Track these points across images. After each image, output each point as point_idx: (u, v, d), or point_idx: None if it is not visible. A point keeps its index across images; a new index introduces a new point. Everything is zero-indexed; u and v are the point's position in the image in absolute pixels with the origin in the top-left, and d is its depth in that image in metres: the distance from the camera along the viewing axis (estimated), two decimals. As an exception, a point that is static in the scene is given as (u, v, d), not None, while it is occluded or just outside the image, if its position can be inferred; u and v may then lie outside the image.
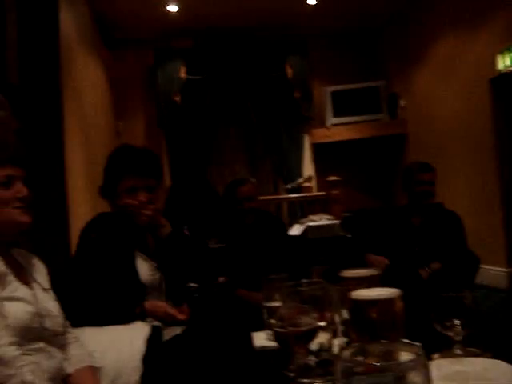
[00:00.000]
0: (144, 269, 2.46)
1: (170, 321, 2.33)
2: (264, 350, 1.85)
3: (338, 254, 5.39)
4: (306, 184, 7.88)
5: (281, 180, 8.19)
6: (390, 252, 3.76)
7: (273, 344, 1.82)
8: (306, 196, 7.42)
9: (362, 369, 0.77)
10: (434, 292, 1.69)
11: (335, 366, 0.79)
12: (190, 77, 7.89)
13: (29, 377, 1.58)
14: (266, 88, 8.02)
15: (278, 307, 1.84)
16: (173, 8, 7.08)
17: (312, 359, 1.39)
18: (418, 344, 0.81)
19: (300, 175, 8.01)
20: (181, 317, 2.32)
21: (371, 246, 3.94)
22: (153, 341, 2.12)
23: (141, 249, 2.52)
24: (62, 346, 1.88)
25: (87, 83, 6.21)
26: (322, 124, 7.99)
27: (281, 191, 8.23)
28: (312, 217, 5.90)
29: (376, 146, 8.16)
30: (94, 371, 1.91)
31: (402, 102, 7.86)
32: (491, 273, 5.63)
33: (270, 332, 1.89)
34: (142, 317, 2.30)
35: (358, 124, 7.88)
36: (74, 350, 1.92)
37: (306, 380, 1.39)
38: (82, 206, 5.18)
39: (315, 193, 7.65)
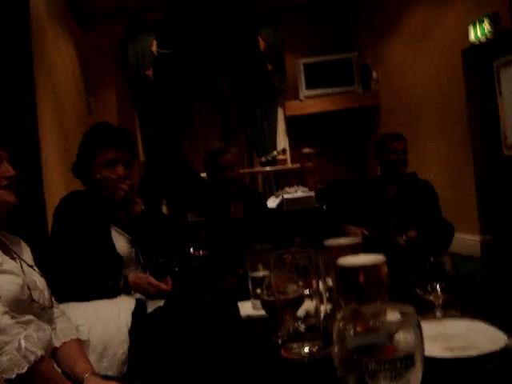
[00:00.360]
0: (120, 241, 2.47)
1: (152, 293, 2.35)
2: (250, 318, 1.89)
3: (315, 225, 5.44)
4: (281, 157, 7.90)
5: (255, 153, 8.21)
6: (367, 222, 3.82)
7: (258, 313, 1.86)
8: (280, 169, 7.44)
9: (355, 329, 0.81)
10: (411, 258, 1.73)
11: (332, 328, 0.82)
12: (162, 51, 7.83)
13: (24, 343, 1.60)
14: (238, 61, 8.00)
15: (263, 277, 1.88)
16: (143, -19, 7.01)
17: (299, 325, 1.42)
18: (408, 305, 0.85)
19: (274, 148, 8.04)
20: (164, 287, 2.35)
21: (348, 217, 3.99)
22: (138, 314, 2.15)
23: (115, 223, 2.52)
24: (50, 321, 1.90)
25: (58, 60, 6.13)
26: (296, 96, 8.00)
27: (255, 164, 8.26)
28: (288, 189, 5.94)
29: (349, 117, 8.21)
30: (80, 344, 1.93)
31: (374, 74, 7.90)
32: (464, 241, 5.74)
33: (255, 301, 1.94)
34: (126, 290, 2.32)
35: (331, 96, 7.91)
36: (60, 325, 1.93)
37: (294, 345, 1.43)
38: (56, 184, 5.14)
39: (290, 165, 7.68)
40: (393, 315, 0.85)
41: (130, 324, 2.11)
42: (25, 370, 1.57)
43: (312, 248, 1.64)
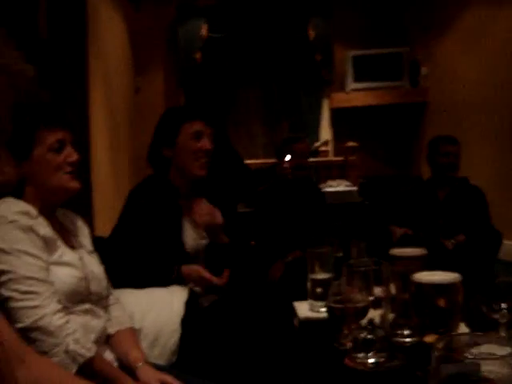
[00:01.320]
0: (190, 236, 2.49)
1: (204, 285, 2.36)
2: (308, 320, 1.88)
3: (356, 220, 5.41)
4: (323, 148, 7.85)
5: (298, 143, 8.16)
6: (414, 223, 3.78)
7: (317, 315, 1.86)
8: (322, 160, 7.40)
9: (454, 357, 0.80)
10: (459, 263, 1.71)
11: (432, 354, 0.81)
12: (212, 35, 7.81)
13: (72, 346, 1.61)
14: (286, 49, 7.95)
15: (322, 279, 1.88)
16: (197, -36, 6.98)
17: (365, 334, 1.41)
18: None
19: (317, 139, 7.98)
20: (216, 281, 2.35)
21: (392, 215, 3.97)
22: (191, 304, 2.16)
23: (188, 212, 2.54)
24: (105, 308, 1.92)
25: (111, 37, 6.17)
26: (342, 88, 7.92)
27: (297, 154, 8.21)
28: (330, 182, 5.91)
29: (395, 113, 8.10)
30: (134, 332, 1.95)
31: (423, 70, 7.77)
32: None
33: (314, 303, 1.93)
34: (179, 281, 2.34)
35: (378, 90, 7.81)
36: (115, 312, 1.96)
37: (360, 354, 1.42)
38: (104, 164, 5.20)
39: (332, 157, 7.63)
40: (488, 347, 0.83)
41: (182, 314, 2.13)
42: (74, 371, 1.59)
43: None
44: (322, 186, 6.01)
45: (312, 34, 7.93)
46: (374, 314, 1.47)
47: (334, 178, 6.54)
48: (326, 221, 3.97)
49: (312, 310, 1.92)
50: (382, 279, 1.50)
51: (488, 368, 0.80)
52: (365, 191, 6.15)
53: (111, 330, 1.89)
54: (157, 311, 2.12)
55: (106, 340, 1.88)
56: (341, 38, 8.10)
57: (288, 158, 3.80)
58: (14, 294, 1.60)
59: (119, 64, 6.72)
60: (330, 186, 5.83)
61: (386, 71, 7.89)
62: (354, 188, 5.84)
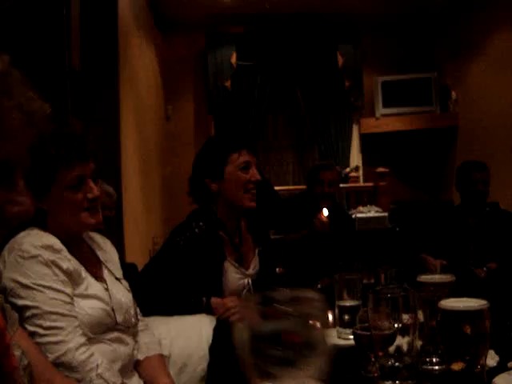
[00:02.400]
0: (232, 278, 2.50)
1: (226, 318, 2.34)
2: (336, 347, 1.88)
3: (386, 246, 5.37)
4: (353, 174, 7.83)
5: (327, 169, 8.16)
6: (445, 250, 3.75)
7: (344, 342, 1.85)
8: (352, 186, 7.39)
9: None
10: (491, 291, 1.69)
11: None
12: (241, 63, 7.89)
13: (96, 381, 1.62)
14: (315, 76, 7.99)
15: (350, 306, 1.87)
16: (226, -7, 7.08)
17: (392, 362, 1.40)
18: None
19: (347, 165, 7.98)
20: (235, 318, 2.33)
21: (423, 242, 3.93)
22: (219, 332, 2.17)
23: (231, 252, 2.54)
24: (133, 335, 1.94)
25: (141, 66, 6.27)
26: (372, 114, 7.93)
27: (327, 180, 8.20)
28: (361, 208, 5.89)
29: (425, 138, 8.06)
30: (162, 359, 1.96)
31: (453, 95, 7.75)
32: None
33: (341, 330, 1.93)
34: (208, 310, 2.34)
35: (407, 115, 7.80)
36: (144, 338, 1.97)
37: (388, 382, 1.41)
38: (135, 190, 5.26)
39: (362, 183, 7.61)
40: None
41: (210, 341, 2.14)
42: None
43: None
44: (352, 211, 6.00)
45: (341, 60, 7.97)
46: (402, 342, 1.46)
47: (364, 203, 6.52)
48: (356, 247, 3.95)
49: (339, 337, 1.91)
50: (409, 306, 1.49)
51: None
52: (395, 217, 6.11)
53: (140, 356, 1.91)
54: (185, 338, 2.13)
55: (133, 366, 1.89)
56: (369, 64, 8.13)
57: (325, 212, 3.80)
58: (38, 330, 1.60)
59: (150, 92, 6.83)
60: (361, 212, 5.81)
61: (415, 96, 7.88)
62: (385, 214, 5.81)
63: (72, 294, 1.72)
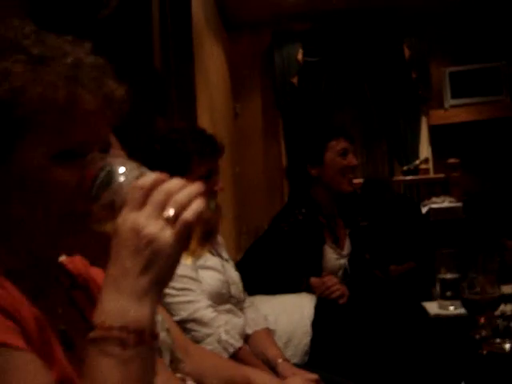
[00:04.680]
0: (330, 260, 2.64)
1: (328, 297, 2.46)
2: (439, 317, 1.97)
3: (461, 236, 5.37)
4: (423, 166, 7.82)
5: (396, 162, 8.18)
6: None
7: (447, 312, 1.94)
8: (424, 178, 7.39)
9: None
10: None
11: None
12: (307, 59, 7.98)
13: (224, 336, 1.76)
14: (382, 70, 8.00)
15: (451, 279, 1.96)
16: (291, -9, 7.18)
17: (501, 322, 1.49)
18: None
19: (416, 157, 7.96)
20: (336, 295, 2.46)
21: (502, 230, 3.95)
22: (320, 309, 2.28)
23: (330, 233, 2.68)
24: (242, 310, 2.07)
25: (212, 66, 6.43)
26: (440, 105, 7.89)
27: (396, 173, 8.22)
28: (434, 199, 5.90)
29: (495, 128, 7.97)
30: (270, 332, 2.09)
31: (524, 83, 7.65)
32: None
33: (443, 302, 2.02)
34: (308, 290, 2.47)
35: (477, 105, 7.74)
36: (251, 314, 2.10)
37: (497, 340, 1.50)
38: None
39: (432, 175, 7.60)
40: None
41: (312, 317, 2.25)
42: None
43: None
44: (425, 202, 6.01)
45: (407, 52, 7.96)
46: (505, 308, 1.55)
47: (437, 194, 6.51)
48: (427, 234, 4.03)
49: (441, 307, 2.00)
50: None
51: None
52: (469, 208, 6.09)
53: (249, 331, 2.03)
54: (289, 315, 2.25)
55: (244, 340, 2.02)
56: (436, 55, 8.09)
57: None
58: (171, 291, 1.77)
59: (220, 91, 6.99)
60: (435, 203, 5.82)
61: (484, 86, 7.81)
62: (459, 204, 5.80)
63: (195, 265, 1.87)
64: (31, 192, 0.90)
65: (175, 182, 0.84)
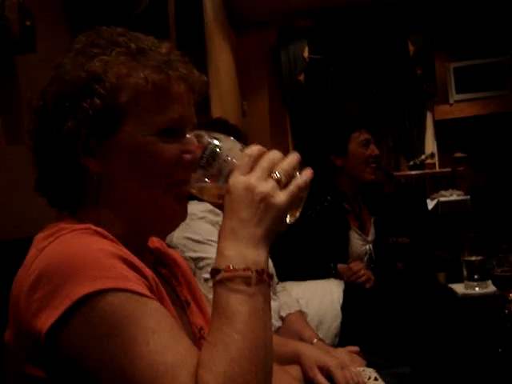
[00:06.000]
0: (355, 245, 2.75)
1: (355, 281, 2.58)
2: (467, 296, 2.08)
3: (470, 228, 5.47)
4: (429, 161, 7.91)
5: (402, 157, 8.27)
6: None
7: (474, 291, 2.06)
8: (431, 172, 7.48)
9: None
10: None
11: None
12: (313, 56, 8.07)
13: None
14: (387, 66, 8.09)
15: (475, 261, 2.07)
16: (297, -11, 7.26)
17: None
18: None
19: (422, 152, 8.06)
20: (363, 280, 2.58)
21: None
22: (348, 293, 2.39)
23: (356, 219, 2.80)
24: (276, 294, 2.17)
25: (222, 63, 6.52)
26: (445, 101, 7.98)
27: (402, 168, 8.31)
28: (443, 192, 6.00)
29: (500, 122, 8.05)
30: (303, 315, 2.19)
31: (527, 78, 7.74)
32: None
33: (469, 283, 2.13)
34: (335, 276, 2.59)
35: (481, 100, 7.82)
36: (284, 298, 2.20)
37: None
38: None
39: (438, 169, 7.69)
40: None
41: (341, 301, 2.35)
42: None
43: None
44: (434, 196, 6.11)
45: (412, 48, 8.05)
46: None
47: (443, 189, 6.61)
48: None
49: (467, 288, 2.12)
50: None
51: None
52: (476, 201, 6.19)
53: (283, 313, 2.13)
54: (319, 299, 2.35)
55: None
56: (441, 51, 8.17)
57: None
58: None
59: (229, 88, 7.08)
60: (443, 196, 5.92)
61: (488, 81, 7.89)
62: (467, 197, 5.91)
63: None
64: (138, 165, 1.05)
65: (276, 152, 1.00)
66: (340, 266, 2.60)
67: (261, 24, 8.17)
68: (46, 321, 0.86)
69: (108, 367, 0.84)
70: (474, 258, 2.08)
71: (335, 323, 2.30)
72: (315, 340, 1.98)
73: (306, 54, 8.07)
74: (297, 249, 2.61)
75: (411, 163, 8.02)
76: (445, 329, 1.97)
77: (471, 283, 2.09)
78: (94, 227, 0.98)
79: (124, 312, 0.85)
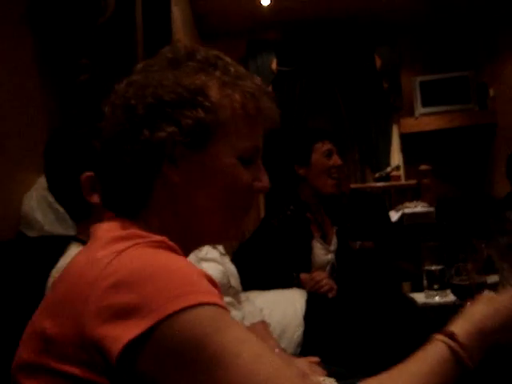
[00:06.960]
0: (318, 255, 2.76)
1: (317, 291, 2.59)
2: (427, 306, 2.09)
3: (436, 239, 5.52)
4: (395, 173, 7.99)
5: (368, 169, 8.34)
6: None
7: (434, 301, 2.07)
8: (396, 184, 7.55)
9: None
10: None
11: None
12: (281, 68, 8.11)
13: None
14: (354, 79, 8.18)
15: (435, 270, 2.09)
16: (265, 1, 7.29)
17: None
18: None
19: (388, 164, 8.14)
20: (325, 290, 2.59)
21: (474, 233, 4.10)
22: (311, 303, 2.40)
23: (318, 228, 2.80)
24: (239, 303, 2.16)
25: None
26: (411, 114, 8.08)
27: (368, 180, 8.38)
28: (408, 204, 6.06)
29: (465, 135, 8.18)
30: (266, 325, 2.19)
31: (491, 92, 7.87)
32: None
33: (429, 292, 2.14)
34: (298, 286, 2.59)
35: (446, 114, 7.93)
36: (247, 307, 2.20)
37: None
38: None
39: (405, 181, 7.77)
40: None
41: (304, 311, 2.36)
42: None
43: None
44: (399, 207, 6.16)
45: (378, 62, 8.14)
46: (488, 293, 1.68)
47: (408, 201, 6.67)
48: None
49: (428, 297, 2.14)
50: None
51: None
52: (441, 212, 6.26)
53: (246, 323, 2.13)
54: (282, 309, 2.36)
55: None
56: (407, 65, 8.28)
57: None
58: None
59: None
60: (408, 208, 5.97)
61: (453, 95, 8.01)
62: (432, 209, 5.97)
63: (197, 257, 1.97)
64: (216, 183, 1.08)
65: None
66: (303, 275, 2.61)
67: (229, 35, 8.17)
68: (125, 332, 0.83)
69: (199, 380, 0.83)
70: (433, 268, 2.11)
71: (297, 332, 2.31)
72: (277, 350, 1.99)
73: (274, 66, 8.11)
74: (259, 258, 2.62)
75: (377, 175, 8.10)
76: (405, 338, 1.99)
77: (431, 292, 2.12)
78: (168, 241, 0.98)
79: (214, 323, 0.87)
